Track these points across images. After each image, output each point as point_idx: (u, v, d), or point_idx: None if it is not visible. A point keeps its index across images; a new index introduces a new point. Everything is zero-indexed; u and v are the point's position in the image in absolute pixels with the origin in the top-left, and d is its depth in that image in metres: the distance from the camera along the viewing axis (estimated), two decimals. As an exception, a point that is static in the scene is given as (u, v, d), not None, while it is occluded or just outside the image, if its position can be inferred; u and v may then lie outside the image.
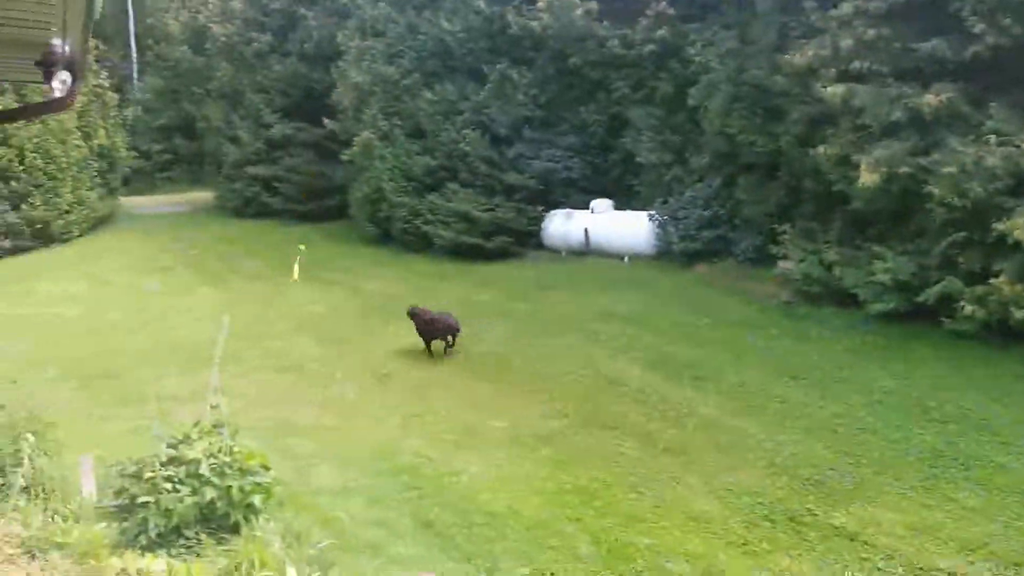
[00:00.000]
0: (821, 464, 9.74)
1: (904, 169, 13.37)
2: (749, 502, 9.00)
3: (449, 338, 14.81)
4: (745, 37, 18.15)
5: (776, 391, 12.10)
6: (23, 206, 25.91)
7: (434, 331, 14.81)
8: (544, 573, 7.60)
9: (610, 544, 8.15)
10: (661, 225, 20.49)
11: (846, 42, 14.49)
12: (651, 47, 21.34)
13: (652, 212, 20.85)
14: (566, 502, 9.12)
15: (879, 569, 7.62)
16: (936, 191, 12.88)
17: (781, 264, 16.42)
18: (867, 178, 13.70)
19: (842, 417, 11.01)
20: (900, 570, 7.58)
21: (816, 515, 8.62)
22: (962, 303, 12.76)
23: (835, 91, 14.44)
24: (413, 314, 14.92)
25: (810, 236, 16.30)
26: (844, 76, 14.59)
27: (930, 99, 13.25)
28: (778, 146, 17.13)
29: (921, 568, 7.62)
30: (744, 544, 8.17)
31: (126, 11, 45.15)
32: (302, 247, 14.73)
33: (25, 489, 6.79)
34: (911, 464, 9.63)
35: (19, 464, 6.91)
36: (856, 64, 14.39)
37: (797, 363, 13.15)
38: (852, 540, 8.11)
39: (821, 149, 15.04)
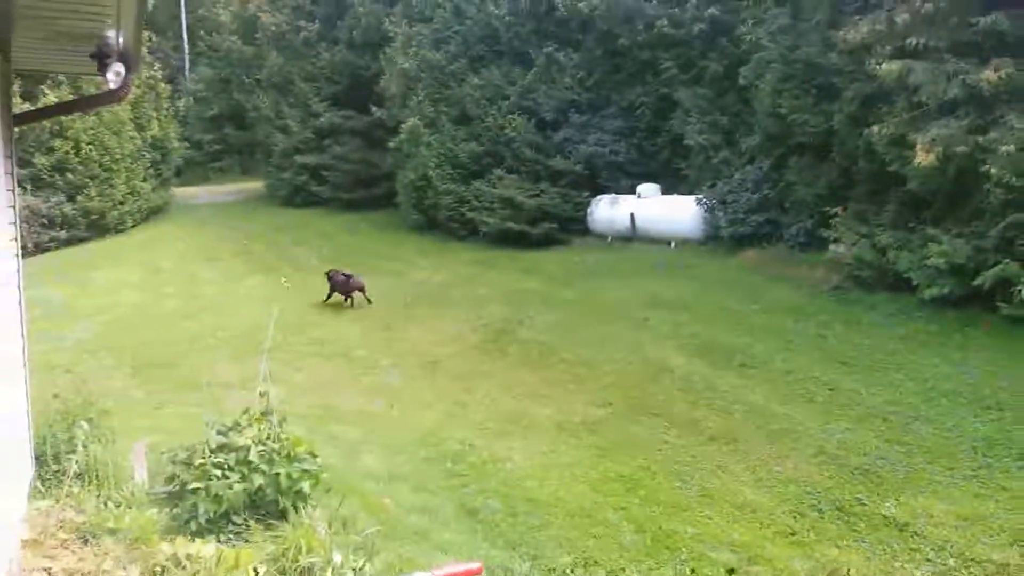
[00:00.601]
0: (871, 453, 9.55)
1: (961, 148, 12.97)
2: (797, 491, 8.87)
3: (358, 293, 18.25)
4: (797, 14, 17.78)
5: (826, 378, 11.88)
6: (79, 197, 26.54)
7: (350, 288, 18.22)
8: (588, 561, 7.57)
9: (654, 533, 8.10)
10: (709, 209, 20.22)
11: (902, 17, 14.07)
12: (701, 26, 21.05)
13: (700, 196, 20.57)
14: (610, 490, 9.08)
15: (929, 560, 7.45)
16: (994, 171, 12.47)
17: (833, 248, 16.09)
18: (922, 158, 13.32)
19: (893, 405, 10.78)
20: (951, 561, 7.41)
21: (865, 505, 8.46)
22: (1019, 287, 12.35)
23: (890, 68, 14.04)
24: (331, 276, 18.46)
25: (863, 219, 15.94)
26: (900, 52, 14.18)
27: (988, 75, 12.80)
28: (831, 126, 16.77)
29: (972, 559, 7.43)
30: (791, 534, 8.06)
31: (178, 2, 45.90)
32: (284, 281, 18.52)
33: (79, 475, 6.97)
34: (964, 453, 9.38)
35: (73, 451, 7.08)
36: (912, 40, 13.96)
37: (848, 350, 12.89)
38: (902, 530, 7.95)
39: (875, 128, 14.67)
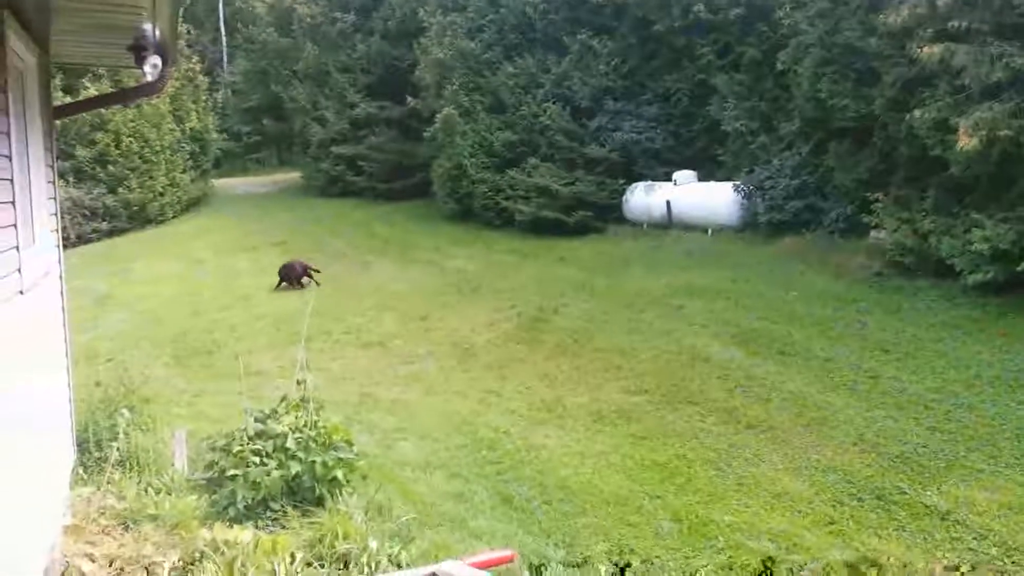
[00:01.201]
0: (912, 441, 9.39)
1: (1005, 132, 12.65)
2: (836, 480, 8.75)
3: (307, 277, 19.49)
4: (837, -3, 17.46)
5: (866, 366, 11.70)
6: (120, 189, 27.00)
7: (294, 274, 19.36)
8: (623, 549, 7.54)
9: (691, 521, 8.04)
10: (747, 196, 19.98)
11: (944, -1, 13.78)
12: (738, 10, 20.77)
13: (737, 182, 20.33)
14: (646, 478, 9.04)
15: (971, 549, 7.31)
16: (1040, 154, 12.19)
17: (873, 234, 15.84)
18: (965, 142, 13.03)
19: (935, 392, 10.58)
20: (993, 550, 7.26)
21: (906, 494, 8.32)
22: (1067, 273, 12.08)
23: (932, 51, 13.73)
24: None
25: (904, 204, 15.65)
26: (942, 35, 13.87)
27: (1033, 57, 12.50)
28: (871, 110, 16.47)
29: (1015, 548, 7.28)
30: (830, 523, 7.96)
31: (215, -5, 46.37)
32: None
33: (120, 462, 7.10)
34: (1008, 441, 9.18)
35: (115, 438, 7.22)
36: (954, 22, 13.63)
37: (889, 337, 12.68)
38: (943, 519, 7.81)
39: (917, 113, 14.37)
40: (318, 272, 19.49)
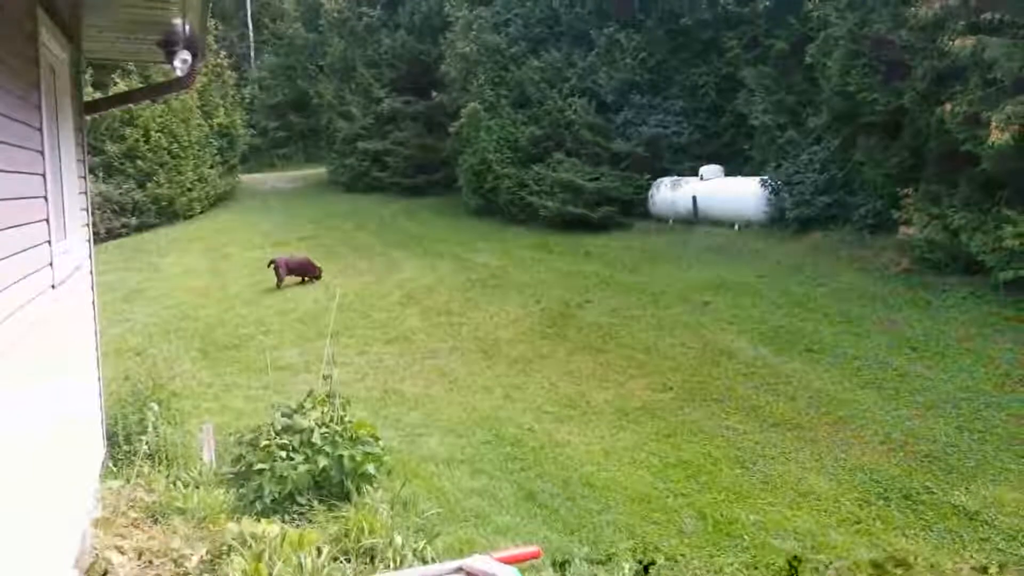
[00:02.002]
0: (941, 440, 9.27)
1: (1038, 127, 12.46)
2: (863, 479, 8.66)
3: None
4: (867, -11, 17.24)
5: (895, 364, 11.57)
6: (148, 184, 27.27)
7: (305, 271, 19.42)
8: (648, 547, 7.52)
9: (715, 519, 8.00)
10: (774, 191, 19.81)
11: (976, -9, 13.57)
12: (766, 3, 20.60)
13: (764, 177, 20.16)
14: (671, 476, 9.00)
15: (999, 550, 7.21)
16: (1073, 150, 11.97)
17: (903, 230, 15.62)
18: (997, 136, 12.81)
19: (965, 391, 10.44)
20: (1022, 551, 7.16)
21: (934, 493, 8.22)
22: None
23: (963, 44, 13.52)
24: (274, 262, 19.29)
25: (934, 200, 15.43)
26: (974, 28, 13.65)
27: (1068, 50, 12.28)
28: (901, 104, 16.23)
29: (1047, 550, 7.18)
30: (857, 522, 7.88)
31: (243, -9, 46.69)
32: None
33: (149, 456, 7.19)
34: (1040, 441, 9.05)
35: (144, 432, 7.31)
36: (987, 15, 13.43)
37: (918, 334, 12.53)
38: (971, 519, 7.70)
39: (947, 107, 14.15)
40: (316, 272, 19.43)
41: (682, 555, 7.33)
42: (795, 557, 6.77)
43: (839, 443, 9.51)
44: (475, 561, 2.90)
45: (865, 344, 12.42)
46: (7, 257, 3.88)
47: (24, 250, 4.29)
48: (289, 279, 19.18)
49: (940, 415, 9.91)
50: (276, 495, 6.99)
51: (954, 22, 14.02)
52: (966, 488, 8.26)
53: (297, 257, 20.18)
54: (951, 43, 13.71)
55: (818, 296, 14.87)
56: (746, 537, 7.65)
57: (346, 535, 6.24)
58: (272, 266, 19.17)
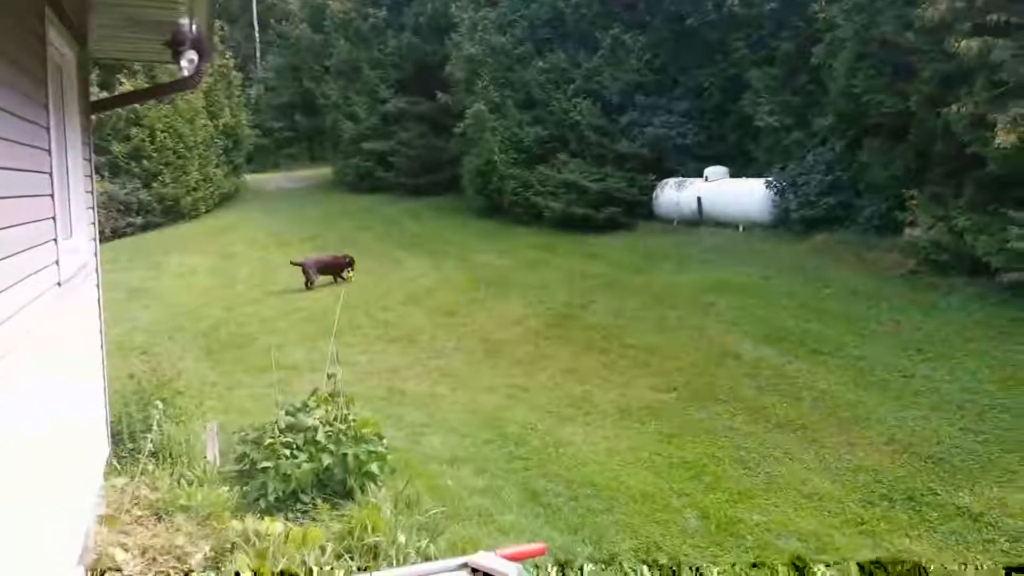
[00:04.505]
0: (945, 442, 9.25)
1: (1044, 128, 12.44)
2: (867, 480, 8.64)
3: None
4: (874, -9, 17.22)
5: (900, 365, 11.54)
6: (154, 184, 27.37)
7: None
8: (651, 546, 7.51)
9: (719, 520, 7.99)
10: (779, 192, 19.77)
11: (983, -7, 13.54)
12: (772, 4, 20.56)
13: (769, 178, 20.14)
14: (674, 476, 8.99)
15: (1004, 551, 7.18)
16: (1079, 152, 11.93)
17: (908, 231, 15.59)
18: (1003, 138, 12.79)
19: (970, 393, 10.41)
20: (1028, 553, 7.15)
21: (938, 495, 8.20)
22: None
23: (970, 45, 13.50)
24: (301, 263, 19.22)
25: (939, 201, 15.40)
26: (980, 29, 13.62)
27: (1075, 52, 12.25)
28: (907, 106, 16.20)
29: (1050, 551, 7.16)
30: (860, 523, 7.86)
31: (249, -9, 46.79)
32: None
33: (154, 454, 7.21)
34: (1043, 443, 9.02)
35: (148, 430, 7.33)
36: (993, 16, 13.40)
37: (923, 336, 12.50)
38: (976, 521, 7.67)
39: (953, 108, 14.13)
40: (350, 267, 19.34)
41: (685, 555, 7.33)
42: (798, 558, 6.76)
43: (843, 444, 9.49)
44: (480, 557, 2.92)
45: (870, 345, 12.40)
46: (15, 254, 3.90)
47: (31, 247, 4.31)
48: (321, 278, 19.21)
49: (945, 416, 9.89)
50: (280, 493, 7.01)
51: (960, 23, 14.00)
52: (970, 490, 8.23)
53: (324, 258, 20.04)
54: (957, 45, 13.69)
55: (823, 297, 14.85)
56: (750, 537, 7.64)
57: (349, 533, 6.25)
58: (299, 266, 19.08)
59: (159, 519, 6.09)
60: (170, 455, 7.37)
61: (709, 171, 21.60)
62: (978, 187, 14.67)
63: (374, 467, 7.43)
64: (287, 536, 5.76)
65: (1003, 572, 6.46)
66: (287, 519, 6.59)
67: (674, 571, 6.05)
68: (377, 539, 6.12)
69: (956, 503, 8.03)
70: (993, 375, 10.85)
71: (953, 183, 15.40)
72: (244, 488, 7.13)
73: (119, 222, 25.86)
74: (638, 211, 23.12)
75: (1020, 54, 12.93)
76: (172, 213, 28.21)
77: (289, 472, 7.10)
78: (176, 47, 7.03)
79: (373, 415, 8.54)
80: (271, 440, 7.38)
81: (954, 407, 10.10)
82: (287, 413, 7.77)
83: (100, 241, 7.90)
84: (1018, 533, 7.43)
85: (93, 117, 8.12)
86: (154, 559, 5.47)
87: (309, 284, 18.84)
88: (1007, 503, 7.91)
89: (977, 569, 6.81)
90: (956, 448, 9.11)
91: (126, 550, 5.47)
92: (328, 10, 36.04)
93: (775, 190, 19.82)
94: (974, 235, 14.06)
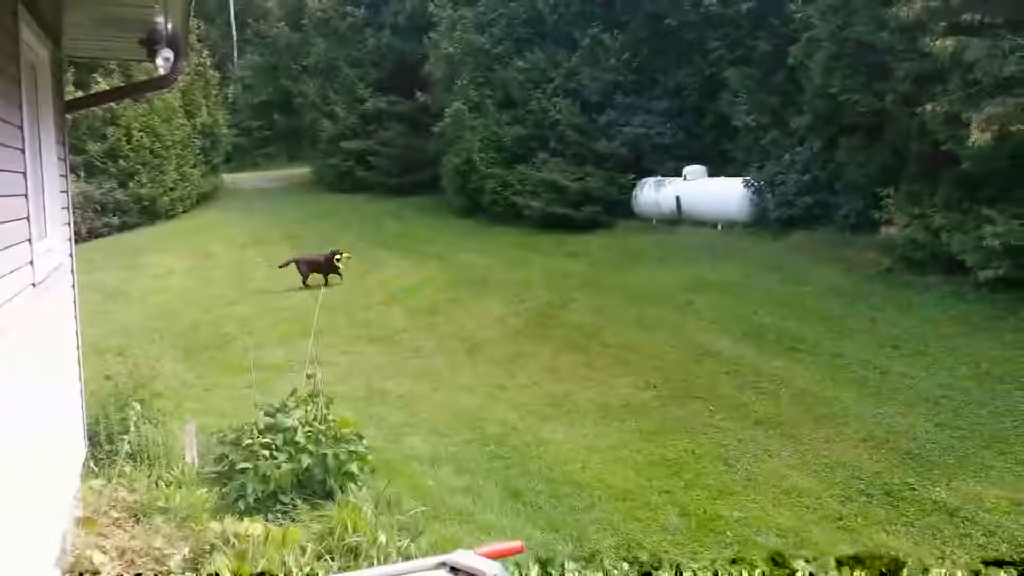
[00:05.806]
0: (922, 437, 9.36)
1: (1018, 126, 12.52)
2: (845, 476, 8.72)
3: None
4: (849, -8, 17.36)
5: (876, 362, 11.66)
6: (130, 184, 27.08)
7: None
8: (632, 544, 7.55)
9: (699, 517, 8.04)
10: (757, 191, 19.92)
11: (957, -8, 13.68)
12: (749, 4, 20.68)
13: (747, 178, 20.27)
14: (655, 473, 9.03)
15: (980, 546, 7.27)
16: (1052, 150, 12.09)
17: (884, 230, 15.76)
18: (978, 137, 12.93)
19: (946, 389, 10.53)
20: (1003, 547, 7.22)
21: (915, 490, 8.30)
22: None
23: (944, 45, 13.64)
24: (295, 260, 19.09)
25: (915, 200, 15.55)
26: (955, 29, 13.77)
27: (1047, 51, 12.40)
28: (883, 105, 16.35)
29: (1025, 545, 7.26)
30: (839, 519, 7.94)
31: (226, -11, 46.43)
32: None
33: (131, 456, 7.15)
34: (1019, 438, 9.12)
35: (126, 431, 7.27)
36: (967, 16, 13.55)
37: (899, 333, 12.64)
38: (952, 515, 7.77)
39: (928, 107, 14.25)
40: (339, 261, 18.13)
41: (666, 552, 7.36)
42: (777, 553, 6.81)
43: (821, 441, 9.57)
44: (459, 556, 2.90)
45: (847, 343, 12.51)
46: (-13, 254, 3.85)
47: (4, 248, 4.25)
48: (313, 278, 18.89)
49: (921, 412, 10.00)
50: (259, 494, 6.97)
51: (935, 23, 14.14)
52: (947, 484, 8.33)
53: (316, 256, 19.24)
54: (932, 44, 13.83)
55: (800, 295, 14.97)
56: (729, 534, 7.69)
57: (330, 533, 6.22)
58: (289, 265, 18.91)
59: (137, 521, 6.03)
60: (148, 457, 7.31)
61: (688, 170, 21.71)
62: (953, 185, 14.83)
63: (354, 467, 7.40)
64: (267, 537, 5.73)
65: (980, 566, 6.53)
66: (267, 520, 6.55)
67: (654, 568, 6.08)
68: (358, 539, 6.10)
69: (933, 498, 8.12)
70: (969, 371, 10.98)
71: (929, 182, 15.56)
72: (223, 489, 7.08)
73: (95, 222, 25.57)
74: (618, 210, 23.19)
75: (994, 53, 13.07)
76: (149, 213, 27.93)
77: (268, 473, 7.06)
78: (151, 45, 6.96)
79: (353, 415, 8.51)
80: (250, 441, 7.33)
81: (931, 403, 10.22)
82: (266, 414, 7.72)
83: (76, 242, 7.82)
84: (994, 527, 7.53)
85: (68, 116, 8.03)
86: (132, 561, 5.42)
87: (305, 282, 18.68)
88: (983, 498, 8.01)
89: (954, 563, 6.89)
90: (933, 443, 9.21)
91: (104, 552, 5.42)
92: (306, 9, 35.85)
93: (753, 189, 19.96)
94: (949, 233, 14.22)
